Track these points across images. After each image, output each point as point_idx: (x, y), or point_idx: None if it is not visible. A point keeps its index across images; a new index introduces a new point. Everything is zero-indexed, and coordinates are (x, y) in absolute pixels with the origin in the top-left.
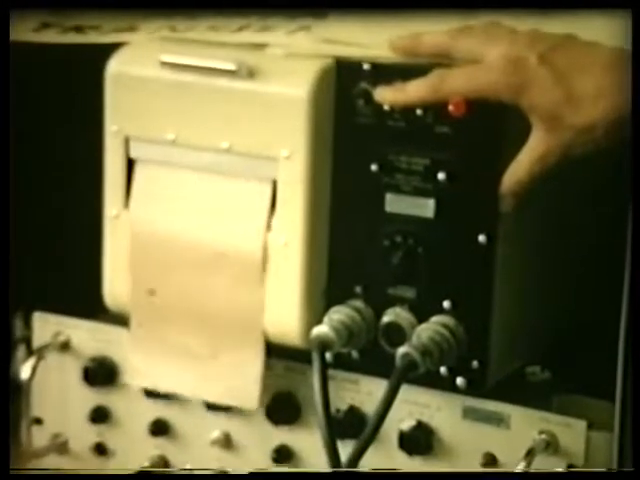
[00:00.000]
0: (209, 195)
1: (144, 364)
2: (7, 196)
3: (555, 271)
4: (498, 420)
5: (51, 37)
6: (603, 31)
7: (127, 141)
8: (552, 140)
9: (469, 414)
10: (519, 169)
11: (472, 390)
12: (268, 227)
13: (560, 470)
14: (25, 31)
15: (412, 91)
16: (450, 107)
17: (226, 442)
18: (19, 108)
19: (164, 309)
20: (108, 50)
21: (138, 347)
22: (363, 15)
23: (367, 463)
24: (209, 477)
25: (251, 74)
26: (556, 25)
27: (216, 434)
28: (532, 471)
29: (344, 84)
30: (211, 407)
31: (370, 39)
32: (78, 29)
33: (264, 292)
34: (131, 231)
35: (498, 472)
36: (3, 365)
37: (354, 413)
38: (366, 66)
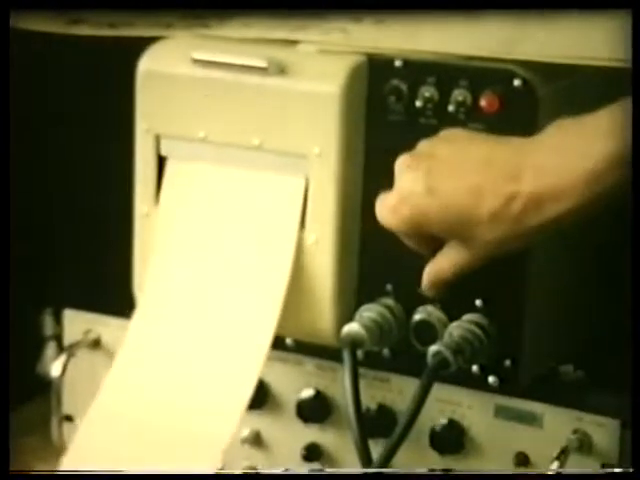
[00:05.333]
0: (241, 193)
1: None
2: (7, 193)
3: (589, 268)
4: (531, 419)
5: (84, 31)
6: (603, 32)
7: (158, 139)
8: (472, 252)
9: (501, 413)
10: (441, 270)
11: (504, 389)
12: (300, 224)
13: (558, 470)
14: (57, 25)
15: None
16: (483, 103)
17: (256, 440)
18: (51, 106)
19: None
20: (140, 48)
21: None
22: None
23: (398, 462)
24: (219, 477)
25: (282, 71)
26: (555, 25)
27: (246, 432)
28: (527, 473)
29: (376, 81)
30: None
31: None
32: (111, 26)
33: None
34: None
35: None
36: (3, 365)
37: (385, 412)
38: (398, 63)
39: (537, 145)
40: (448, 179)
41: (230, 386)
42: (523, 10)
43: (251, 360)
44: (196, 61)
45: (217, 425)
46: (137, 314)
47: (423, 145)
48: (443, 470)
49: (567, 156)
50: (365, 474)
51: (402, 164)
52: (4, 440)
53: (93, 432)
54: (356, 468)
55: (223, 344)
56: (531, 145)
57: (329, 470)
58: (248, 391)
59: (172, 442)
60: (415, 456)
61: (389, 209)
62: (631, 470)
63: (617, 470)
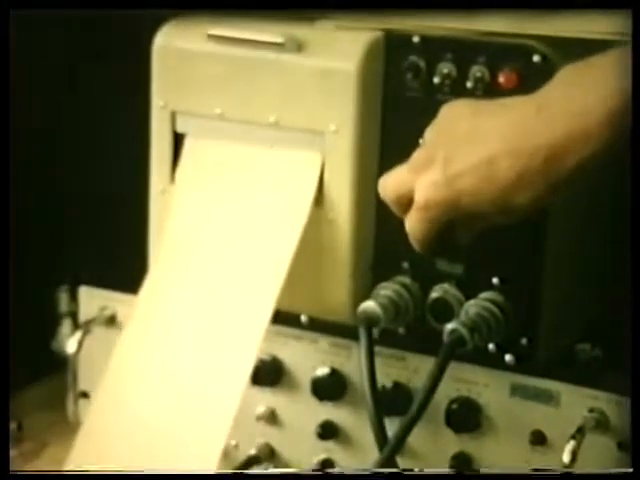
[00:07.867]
0: (256, 169)
1: None
2: (7, 179)
3: (607, 246)
4: (547, 398)
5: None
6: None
7: (174, 115)
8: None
9: (517, 391)
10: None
11: (521, 367)
12: (316, 202)
13: (560, 469)
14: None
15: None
16: (501, 80)
17: (271, 417)
18: (67, 82)
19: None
20: (155, 24)
21: None
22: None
23: (414, 440)
24: (219, 477)
25: (299, 47)
26: (556, 25)
27: (261, 409)
28: (527, 472)
29: (393, 57)
30: (257, 382)
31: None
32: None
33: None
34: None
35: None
36: (3, 363)
37: (400, 390)
38: (415, 39)
39: (549, 95)
40: (466, 159)
41: (229, 364)
42: (524, 9)
43: (249, 337)
44: (212, 37)
45: (217, 407)
46: (147, 289)
47: (431, 134)
48: (451, 467)
49: (586, 98)
50: (374, 474)
51: (418, 162)
52: (4, 440)
53: (105, 410)
54: (371, 446)
55: (226, 321)
56: (541, 98)
57: (333, 471)
58: (247, 369)
59: (177, 423)
60: (431, 434)
61: (421, 208)
62: (631, 470)
63: (617, 470)
